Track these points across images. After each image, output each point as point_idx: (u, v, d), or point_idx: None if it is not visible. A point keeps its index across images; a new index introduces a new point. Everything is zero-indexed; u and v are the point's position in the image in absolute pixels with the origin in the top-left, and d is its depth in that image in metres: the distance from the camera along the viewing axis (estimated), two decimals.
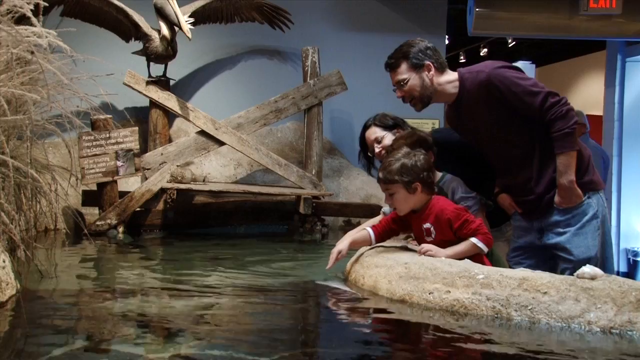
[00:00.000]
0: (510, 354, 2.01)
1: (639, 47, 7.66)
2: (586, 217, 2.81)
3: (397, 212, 2.92)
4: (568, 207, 2.81)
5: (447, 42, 7.84)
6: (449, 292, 2.44)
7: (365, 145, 3.51)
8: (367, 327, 2.42)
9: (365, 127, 3.49)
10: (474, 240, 2.71)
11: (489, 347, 2.07)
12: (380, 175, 2.85)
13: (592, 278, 2.27)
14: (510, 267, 2.98)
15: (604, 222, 2.89)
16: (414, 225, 2.93)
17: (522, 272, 2.43)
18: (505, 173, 2.98)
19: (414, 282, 2.57)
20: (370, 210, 6.10)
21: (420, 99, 2.95)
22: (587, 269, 2.31)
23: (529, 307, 2.25)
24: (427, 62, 2.92)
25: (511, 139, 2.84)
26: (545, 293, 2.26)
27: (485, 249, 2.73)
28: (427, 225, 2.83)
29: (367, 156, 3.54)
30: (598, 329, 2.14)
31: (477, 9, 6.89)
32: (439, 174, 3.11)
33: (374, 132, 3.44)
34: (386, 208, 3.38)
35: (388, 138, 3.36)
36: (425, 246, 2.77)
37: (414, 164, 2.78)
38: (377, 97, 7.07)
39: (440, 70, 2.94)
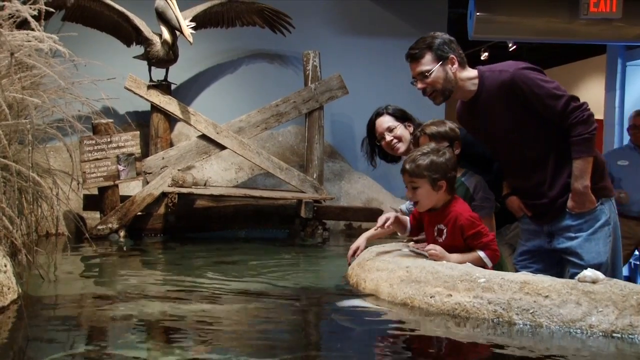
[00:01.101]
0: (512, 358, 2.01)
1: (639, 51, 7.66)
2: (598, 223, 2.79)
3: (417, 208, 2.88)
4: (580, 212, 2.78)
5: None
6: (451, 295, 2.44)
7: (372, 133, 3.41)
8: (367, 331, 2.41)
9: (377, 115, 3.40)
10: (481, 254, 2.71)
11: (490, 351, 2.07)
12: (407, 167, 2.79)
13: (594, 282, 2.27)
14: (516, 270, 2.96)
15: (615, 228, 2.86)
16: (427, 223, 2.91)
17: (523, 275, 2.43)
18: (518, 175, 2.94)
19: (416, 285, 2.57)
20: (371, 214, 6.10)
21: (442, 92, 2.87)
22: (589, 272, 2.31)
23: (531, 311, 2.25)
24: (452, 55, 2.85)
25: (527, 141, 2.81)
26: (546, 297, 2.26)
27: (490, 264, 2.73)
28: (441, 226, 2.81)
29: (373, 144, 3.44)
30: (599, 333, 2.14)
31: (477, 13, 6.90)
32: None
33: (387, 120, 3.36)
34: (403, 206, 3.33)
35: (400, 129, 3.31)
36: (432, 246, 2.75)
37: (443, 162, 2.75)
38: (378, 100, 7.08)
39: (462, 65, 2.89)
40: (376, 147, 3.46)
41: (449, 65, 2.84)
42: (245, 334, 2.35)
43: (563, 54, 10.31)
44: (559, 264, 2.94)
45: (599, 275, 2.30)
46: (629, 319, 2.13)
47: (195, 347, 2.11)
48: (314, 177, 6.02)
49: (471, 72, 2.89)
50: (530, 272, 2.71)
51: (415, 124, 3.38)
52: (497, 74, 2.79)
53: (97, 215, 5.33)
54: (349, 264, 3.16)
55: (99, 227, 5.15)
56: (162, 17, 5.40)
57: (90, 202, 5.34)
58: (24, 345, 2.14)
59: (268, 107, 6.01)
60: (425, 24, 7.19)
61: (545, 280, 2.35)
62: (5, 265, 2.61)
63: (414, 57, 2.89)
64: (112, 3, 5.44)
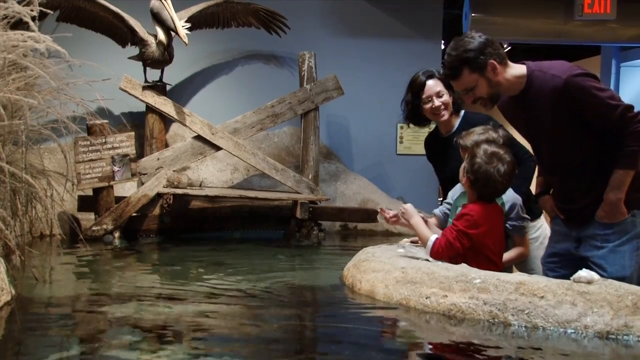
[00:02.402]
0: (508, 359, 2.01)
1: (634, 52, 7.69)
2: (627, 236, 2.67)
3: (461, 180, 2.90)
4: (609, 223, 2.68)
5: (442, 47, 7.86)
6: (446, 296, 2.44)
7: (418, 94, 3.30)
8: (363, 332, 2.41)
9: (429, 77, 3.30)
10: (432, 238, 2.74)
11: (486, 352, 2.07)
12: (463, 143, 2.89)
13: (589, 282, 2.28)
14: (544, 272, 2.91)
15: None
16: None
17: (519, 276, 2.43)
18: (554, 176, 2.86)
19: (411, 286, 2.57)
20: (366, 215, 6.10)
21: (490, 99, 2.77)
22: (584, 273, 2.31)
23: (526, 312, 2.25)
24: (490, 61, 2.67)
25: (569, 145, 2.72)
26: (542, 297, 2.26)
27: (428, 251, 2.75)
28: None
29: (417, 105, 3.33)
30: (594, 333, 2.14)
31: (472, 14, 6.91)
32: None
33: (438, 84, 3.27)
34: (437, 210, 3.30)
35: (446, 96, 3.24)
36: (405, 207, 2.89)
37: (492, 173, 2.72)
38: (374, 101, 7.10)
39: (503, 64, 2.73)
40: (418, 108, 3.33)
41: (490, 72, 2.69)
42: (240, 335, 2.34)
43: (557, 55, 10.35)
44: None
45: (594, 275, 2.31)
46: (624, 320, 2.13)
47: (189, 348, 2.10)
48: (310, 178, 6.02)
49: (517, 70, 2.75)
50: (556, 276, 2.64)
51: (456, 94, 3.29)
52: (548, 77, 2.66)
53: (92, 216, 5.32)
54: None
55: (94, 228, 5.14)
56: (157, 18, 5.39)
57: (85, 203, 5.32)
58: (17, 347, 2.13)
59: (263, 108, 6.00)
60: (420, 25, 7.21)
61: (540, 281, 2.35)
62: None
63: (452, 77, 2.76)
64: (107, 4, 5.42)
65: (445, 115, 3.28)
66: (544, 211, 3.23)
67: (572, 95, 2.59)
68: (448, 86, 3.22)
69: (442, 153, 3.35)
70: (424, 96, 3.28)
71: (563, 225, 2.88)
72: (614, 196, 2.62)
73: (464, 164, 2.83)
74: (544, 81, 2.66)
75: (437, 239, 2.72)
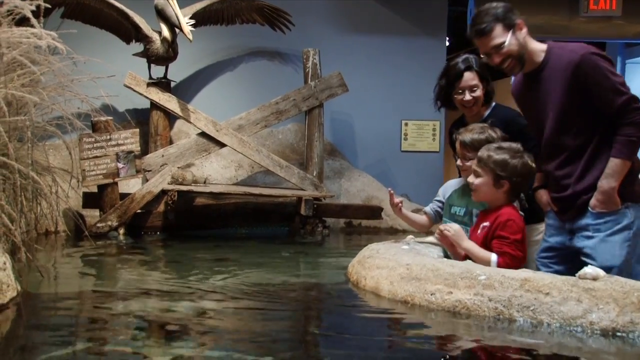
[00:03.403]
0: (513, 355, 2.01)
1: (639, 48, 7.65)
2: (618, 226, 2.67)
3: (474, 196, 2.83)
4: (601, 212, 2.68)
5: (447, 44, 7.84)
6: (451, 293, 2.43)
7: (453, 83, 3.24)
8: (368, 328, 2.41)
9: (467, 68, 3.23)
10: (493, 258, 2.65)
11: (491, 348, 2.07)
12: (479, 153, 2.78)
13: (594, 279, 2.27)
14: (537, 268, 2.88)
15: (637, 235, 2.70)
16: (477, 221, 2.87)
17: (524, 272, 2.43)
18: (551, 159, 2.84)
19: (416, 283, 2.56)
20: (371, 212, 6.10)
21: (519, 60, 2.75)
22: (589, 269, 2.30)
23: (531, 308, 2.25)
24: (519, 21, 2.72)
25: (572, 129, 2.71)
26: (547, 294, 2.25)
27: None
28: (486, 223, 2.78)
29: (449, 93, 3.26)
30: (600, 330, 2.13)
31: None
32: None
33: (475, 78, 3.21)
34: (428, 207, 3.29)
35: (479, 91, 3.17)
36: (449, 226, 2.69)
37: (515, 165, 2.73)
38: (378, 98, 7.09)
39: (529, 34, 2.77)
40: (450, 97, 3.27)
41: (518, 32, 2.73)
42: (244, 331, 2.34)
43: None
44: (581, 266, 2.75)
45: (600, 272, 2.30)
46: (629, 316, 2.13)
47: (194, 343, 2.10)
48: (314, 174, 6.02)
49: (539, 45, 2.79)
50: (550, 272, 2.64)
51: (490, 84, 3.27)
52: (566, 52, 2.69)
53: (97, 213, 5.33)
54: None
55: (99, 224, 5.15)
56: (162, 15, 5.39)
57: (90, 200, 5.33)
58: (24, 342, 2.14)
59: (268, 105, 6.00)
60: (425, 21, 7.19)
61: (545, 278, 2.35)
62: (5, 263, 2.61)
63: (483, 32, 2.74)
64: (112, 0, 5.43)
65: (474, 109, 3.24)
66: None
67: (584, 71, 2.61)
68: (482, 78, 3.20)
69: None
70: (458, 86, 3.22)
71: (556, 219, 2.88)
72: (608, 185, 2.63)
73: (472, 178, 2.77)
74: (561, 55, 2.68)
75: (497, 258, 2.66)
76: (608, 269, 2.48)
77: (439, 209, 3.19)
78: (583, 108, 2.67)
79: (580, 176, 2.72)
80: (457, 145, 2.99)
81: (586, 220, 2.72)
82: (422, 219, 3.25)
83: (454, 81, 3.22)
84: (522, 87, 2.90)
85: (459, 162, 3.02)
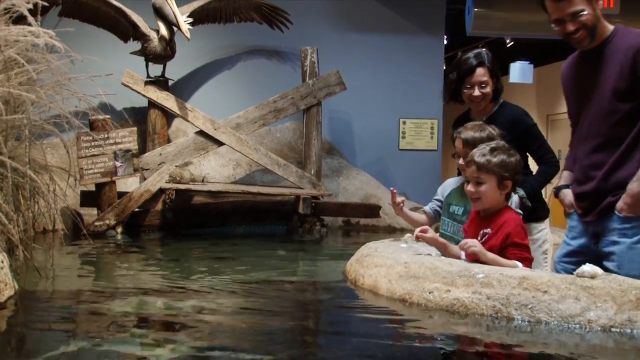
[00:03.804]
0: (511, 353, 2.01)
1: None
2: None
3: (476, 206, 2.73)
4: (628, 216, 2.54)
5: (445, 42, 7.84)
6: (449, 291, 2.43)
7: (463, 78, 3.20)
8: (366, 327, 2.41)
9: (480, 63, 3.19)
10: (520, 265, 2.56)
11: (489, 346, 2.07)
12: (477, 160, 2.65)
13: (592, 277, 2.27)
14: (557, 272, 2.77)
15: None
16: (473, 228, 2.78)
17: (522, 271, 2.42)
18: (583, 144, 2.71)
19: (414, 281, 2.56)
20: (369, 210, 6.10)
21: (592, 31, 2.62)
22: (587, 267, 2.30)
23: (529, 306, 2.25)
24: None
25: (617, 114, 2.58)
26: (545, 292, 2.25)
27: None
28: (487, 230, 2.69)
29: (459, 87, 3.23)
30: (598, 328, 2.14)
31: (475, 9, 6.89)
32: None
33: (485, 74, 3.17)
34: (427, 207, 3.28)
35: (489, 87, 3.15)
36: (471, 241, 2.60)
37: (513, 163, 2.67)
38: (376, 97, 7.09)
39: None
40: (459, 92, 3.25)
41: (596, 3, 2.59)
42: (242, 330, 2.34)
43: (561, 49, 10.31)
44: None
45: (598, 270, 2.30)
46: (627, 314, 2.13)
47: (192, 342, 2.10)
48: (312, 173, 6.02)
49: (607, 23, 2.67)
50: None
51: (499, 81, 3.24)
52: (631, 35, 2.57)
53: (95, 211, 5.32)
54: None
55: (96, 223, 5.14)
56: (160, 13, 5.39)
57: (88, 199, 5.33)
58: (21, 341, 2.13)
59: (266, 104, 6.00)
60: (423, 20, 7.19)
61: (543, 276, 2.35)
62: (2, 262, 2.60)
63: None
64: None
65: (482, 104, 3.21)
66: (550, 215, 3.18)
67: None
68: (493, 75, 3.17)
69: None
70: (468, 81, 3.19)
71: (579, 222, 2.76)
72: (638, 188, 2.50)
73: (472, 187, 2.70)
74: (625, 37, 2.59)
75: (522, 265, 2.59)
76: (635, 278, 2.37)
77: (438, 208, 3.19)
78: (633, 94, 2.55)
79: (609, 170, 2.59)
80: (458, 144, 2.97)
81: (612, 224, 2.60)
82: (422, 218, 3.24)
83: (464, 76, 3.19)
84: (577, 64, 2.77)
85: (460, 161, 2.99)
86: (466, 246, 2.58)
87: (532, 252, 3.01)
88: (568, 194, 2.81)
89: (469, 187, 2.69)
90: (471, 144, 2.92)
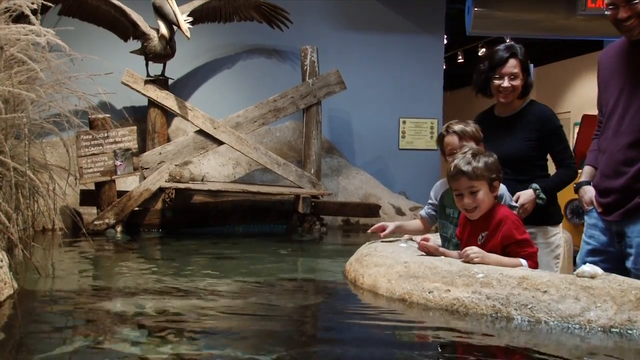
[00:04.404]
0: (510, 353, 2.01)
1: None
2: None
3: (472, 214, 2.65)
4: None
5: (445, 41, 7.83)
6: (449, 291, 2.43)
7: (494, 68, 3.15)
8: (366, 326, 2.41)
9: (512, 55, 3.15)
10: (524, 263, 2.55)
11: (489, 347, 2.07)
12: (466, 169, 2.59)
13: (592, 277, 2.27)
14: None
15: None
16: (469, 230, 2.74)
17: (521, 271, 2.42)
18: (620, 138, 2.58)
19: (414, 281, 2.56)
20: (368, 209, 6.10)
21: None
22: (587, 267, 2.30)
23: (529, 306, 2.25)
24: None
25: None
26: (545, 292, 2.25)
27: None
28: (485, 233, 2.65)
29: (488, 78, 3.18)
30: (598, 328, 2.14)
31: (475, 9, 6.89)
32: None
33: (516, 66, 3.12)
34: (422, 211, 3.26)
35: (519, 80, 3.10)
36: (472, 250, 2.57)
37: (494, 161, 2.64)
38: (376, 96, 7.09)
39: None
40: (488, 82, 3.19)
41: None
42: (241, 329, 2.34)
43: (560, 49, 10.31)
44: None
45: (598, 270, 2.30)
46: (627, 314, 2.13)
47: (191, 342, 2.10)
48: (312, 172, 6.02)
49: None
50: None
51: (529, 77, 3.22)
52: None
53: (94, 210, 5.32)
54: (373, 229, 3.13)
55: (96, 222, 5.14)
56: (160, 12, 5.38)
57: (87, 198, 5.33)
58: (20, 341, 2.13)
59: (266, 103, 6.00)
60: (423, 19, 7.19)
61: (543, 276, 2.35)
62: (1, 261, 2.60)
63: None
64: None
65: (510, 97, 3.14)
66: (563, 217, 3.12)
67: None
68: (524, 69, 3.12)
69: (493, 133, 3.18)
70: (499, 72, 3.14)
71: (599, 219, 2.67)
72: None
73: (468, 199, 2.64)
74: None
75: (527, 261, 2.57)
76: None
77: (432, 212, 3.17)
78: None
79: None
80: (453, 139, 2.93)
81: (637, 227, 2.50)
82: (417, 225, 3.23)
83: (496, 66, 3.14)
84: (624, 53, 2.66)
85: (466, 200, 2.92)
86: (468, 258, 2.55)
87: (544, 255, 2.99)
88: (589, 191, 2.72)
89: (465, 200, 2.62)
90: (468, 135, 2.91)
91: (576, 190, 2.79)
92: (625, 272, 2.50)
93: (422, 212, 3.21)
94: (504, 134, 3.09)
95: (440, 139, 3.06)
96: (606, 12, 2.56)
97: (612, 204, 2.58)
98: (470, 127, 2.94)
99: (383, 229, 3.09)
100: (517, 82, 3.09)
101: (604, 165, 2.65)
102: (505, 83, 3.10)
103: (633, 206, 2.50)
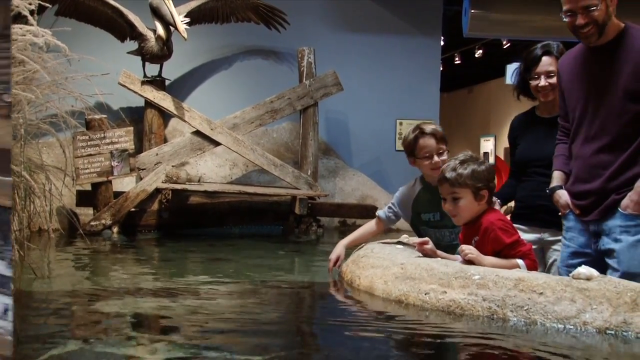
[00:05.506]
0: (506, 355, 2.01)
1: None
2: None
3: (456, 221, 2.69)
4: (633, 214, 2.49)
5: (442, 43, 7.85)
6: (445, 292, 2.43)
7: (529, 68, 3.11)
8: (362, 328, 2.41)
9: (547, 52, 3.09)
10: (520, 263, 2.57)
11: (484, 348, 2.07)
12: (448, 176, 2.61)
13: (588, 279, 2.27)
14: (560, 274, 2.70)
15: None
16: (464, 233, 2.76)
17: (518, 272, 2.43)
18: (591, 143, 2.62)
19: (410, 282, 2.56)
20: (365, 211, 6.10)
21: (599, 29, 2.57)
22: (583, 269, 2.31)
23: (525, 308, 2.25)
24: None
25: (628, 113, 2.52)
26: (541, 294, 2.26)
27: None
28: (476, 238, 2.66)
29: (526, 79, 3.14)
30: (593, 330, 2.14)
31: (472, 11, 6.90)
32: None
33: (551, 63, 3.04)
34: (381, 212, 3.27)
35: (555, 78, 2.98)
36: (467, 248, 2.58)
37: (484, 171, 2.64)
38: (373, 97, 7.09)
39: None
40: (527, 83, 3.14)
41: (610, 1, 2.57)
42: (238, 331, 2.34)
43: None
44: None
45: (594, 272, 2.30)
46: (623, 316, 2.13)
47: (188, 343, 2.10)
48: (309, 173, 6.02)
49: (617, 21, 2.63)
50: None
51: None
52: None
53: (91, 211, 5.31)
54: (330, 272, 3.15)
55: (92, 223, 5.13)
56: (157, 13, 5.38)
57: (84, 198, 5.32)
58: (15, 342, 2.13)
59: (262, 104, 6.00)
60: (420, 21, 7.20)
61: (539, 278, 2.35)
62: None
63: None
64: None
65: (551, 96, 3.06)
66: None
67: None
68: None
69: (535, 134, 3.17)
70: (535, 71, 3.08)
71: (577, 221, 2.70)
72: None
73: (450, 205, 2.68)
74: (638, 36, 2.56)
75: (524, 264, 2.58)
76: (633, 276, 2.37)
77: (391, 215, 3.21)
78: None
79: (617, 170, 2.55)
80: (429, 141, 2.97)
81: (614, 221, 2.55)
82: (371, 228, 3.25)
83: (531, 66, 3.09)
84: (581, 60, 2.71)
85: (436, 158, 3.00)
86: (463, 253, 2.58)
87: (560, 261, 2.93)
88: (563, 194, 2.75)
89: (447, 205, 2.65)
90: (441, 136, 2.95)
91: (550, 195, 2.81)
92: (604, 273, 2.52)
93: (381, 213, 3.23)
94: (547, 134, 3.01)
95: (413, 141, 3.05)
96: (564, 20, 2.63)
97: (589, 206, 2.62)
98: (439, 127, 2.97)
99: (337, 260, 3.16)
100: (555, 80, 2.98)
101: (578, 169, 2.69)
102: (542, 82, 3.04)
103: (610, 202, 2.55)
